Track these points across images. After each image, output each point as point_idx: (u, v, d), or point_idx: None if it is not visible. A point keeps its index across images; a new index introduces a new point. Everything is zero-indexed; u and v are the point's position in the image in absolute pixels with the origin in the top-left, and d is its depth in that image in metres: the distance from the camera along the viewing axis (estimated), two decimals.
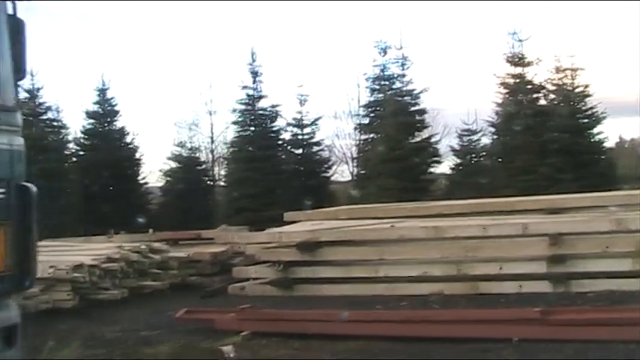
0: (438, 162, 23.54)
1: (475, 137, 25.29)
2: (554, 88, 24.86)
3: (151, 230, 18.10)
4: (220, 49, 55.42)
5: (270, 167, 24.32)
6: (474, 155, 25.19)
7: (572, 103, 23.92)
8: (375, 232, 12.17)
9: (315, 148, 27.20)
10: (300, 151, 27.04)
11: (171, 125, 40.62)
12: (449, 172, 26.15)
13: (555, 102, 24.74)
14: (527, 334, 7.08)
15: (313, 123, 26.86)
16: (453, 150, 26.51)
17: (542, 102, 23.53)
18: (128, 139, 26.99)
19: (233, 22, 53.35)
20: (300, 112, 26.82)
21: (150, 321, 10.31)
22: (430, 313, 8.34)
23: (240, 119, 25.91)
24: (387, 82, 24.43)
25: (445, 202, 15.71)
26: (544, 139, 21.02)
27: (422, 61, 52.04)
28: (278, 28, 52.28)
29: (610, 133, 57.06)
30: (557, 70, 25.24)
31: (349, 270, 11.91)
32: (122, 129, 26.96)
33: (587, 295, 10.07)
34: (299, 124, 26.89)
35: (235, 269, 13.06)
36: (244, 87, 25.55)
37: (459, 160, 25.52)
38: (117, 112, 26.74)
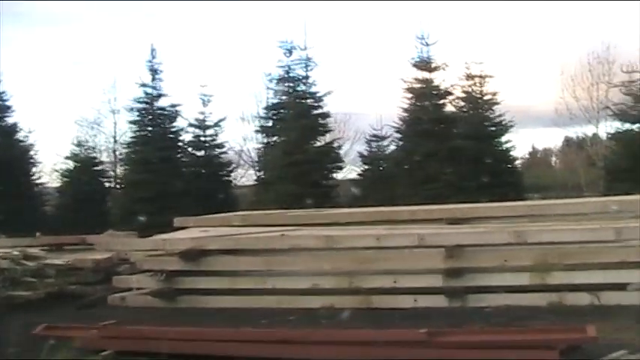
0: (340, 167, 22.95)
1: (384, 143, 24.96)
2: (463, 95, 24.80)
3: (38, 234, 17.09)
4: (126, 45, 53.98)
5: (168, 169, 23.44)
6: (382, 162, 24.85)
7: (480, 110, 23.86)
8: (264, 241, 11.54)
9: (218, 151, 26.41)
10: (201, 153, 26.21)
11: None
12: (357, 178, 25.86)
13: (465, 109, 24.67)
14: (411, 358, 6.52)
15: (216, 124, 26.13)
16: (361, 156, 26.22)
17: (451, 108, 23.19)
18: (21, 136, 25.72)
19: (138, 17, 52.05)
20: (202, 113, 26.09)
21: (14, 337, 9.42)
22: (297, 334, 7.69)
23: (138, 118, 24.94)
24: (291, 84, 23.84)
25: (344, 210, 15.18)
26: (449, 147, 20.69)
27: (333, 63, 52.13)
28: (186, 24, 51.25)
29: (525, 142, 58.25)
30: (468, 77, 25.22)
31: (236, 281, 11.26)
32: (14, 125, 25.70)
33: (484, 310, 9.75)
34: (201, 125, 26.13)
35: (115, 278, 12.32)
36: (143, 85, 24.61)
37: (366, 167, 25.22)
38: (8, 108, 25.49)
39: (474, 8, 52.64)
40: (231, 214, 16.63)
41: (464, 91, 25.02)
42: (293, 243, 11.22)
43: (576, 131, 34.14)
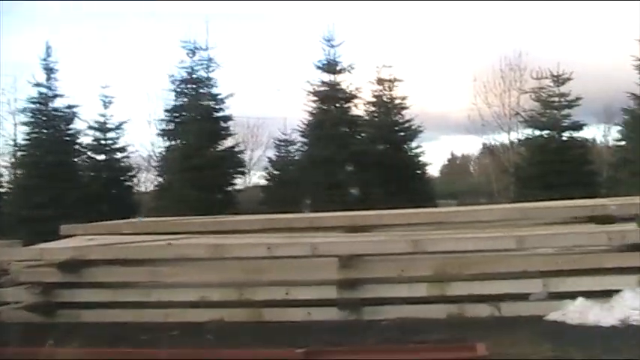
0: (242, 173, 22.32)
1: (293, 148, 24.47)
2: (374, 99, 24.56)
3: None
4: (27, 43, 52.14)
5: (63, 174, 22.42)
6: (290, 167, 24.35)
7: (389, 114, 23.63)
8: (148, 250, 10.88)
9: (120, 155, 25.48)
10: (102, 157, 25.26)
11: None
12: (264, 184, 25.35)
13: (376, 113, 24.42)
14: None
15: (118, 127, 25.19)
16: (270, 161, 25.73)
17: (359, 112, 22.77)
18: None
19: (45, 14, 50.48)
20: (103, 115, 25.13)
21: None
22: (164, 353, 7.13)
23: (31, 120, 23.85)
24: (194, 86, 23.10)
25: (240, 217, 14.56)
26: (354, 151, 20.27)
27: (247, 66, 51.52)
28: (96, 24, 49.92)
29: (445, 149, 58.74)
30: (379, 81, 24.98)
31: (118, 293, 10.53)
32: None
33: (379, 323, 9.34)
34: (102, 128, 25.18)
35: None
36: (37, 84, 23.57)
37: (275, 172, 24.72)
38: None
39: (388, 13, 52.71)
40: (121, 221, 15.86)
41: (374, 95, 24.78)
42: (179, 252, 10.59)
43: (489, 138, 34.26)
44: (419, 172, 24.24)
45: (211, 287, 10.29)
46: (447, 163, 44.55)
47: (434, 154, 69.97)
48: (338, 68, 21.82)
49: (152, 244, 11.14)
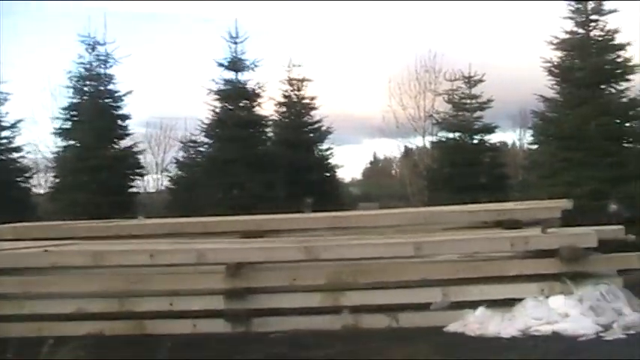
0: (141, 175, 21.47)
1: (201, 149, 23.65)
2: (283, 99, 24.09)
3: None
4: None
5: None
6: (195, 168, 23.52)
7: (298, 115, 23.21)
8: (21, 258, 10.09)
9: (15, 155, 24.28)
10: None
11: None
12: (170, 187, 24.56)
13: (285, 114, 23.94)
14: None
15: (13, 126, 24.02)
16: (176, 162, 24.96)
17: (265, 112, 22.09)
18: None
19: None
20: None
21: None
22: None
23: None
24: (94, 83, 22.12)
25: (130, 222, 13.75)
26: (258, 152, 19.68)
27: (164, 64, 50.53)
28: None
29: (368, 152, 58.72)
30: (289, 80, 24.51)
31: None
32: None
33: (269, 336, 8.90)
34: None
35: None
36: None
37: (179, 174, 23.95)
38: None
39: (303, 12, 52.42)
40: (3, 225, 14.94)
41: (284, 95, 24.28)
42: (56, 260, 9.83)
43: (404, 141, 34.07)
44: (328, 174, 23.83)
45: (90, 298, 9.64)
46: (369, 166, 44.56)
47: (357, 157, 70.00)
48: (241, 66, 21.14)
49: (26, 251, 10.34)
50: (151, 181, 34.49)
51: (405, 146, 34.56)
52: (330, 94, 48.44)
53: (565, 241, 9.33)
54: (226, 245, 10.11)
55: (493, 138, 23.57)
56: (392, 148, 33.17)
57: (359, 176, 45.33)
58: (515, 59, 38.56)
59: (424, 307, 9.32)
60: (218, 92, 20.70)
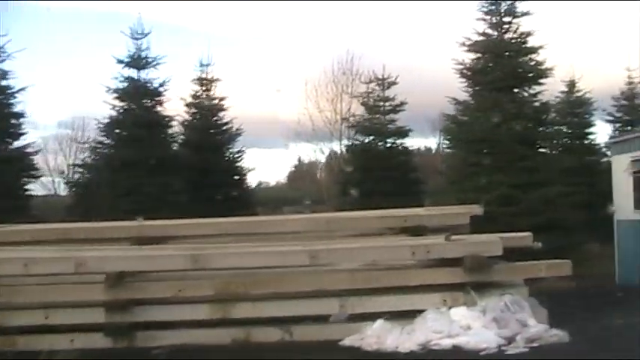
0: (34, 177, 20.42)
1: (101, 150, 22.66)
2: (193, 100, 23.45)
3: None
4: None
5: None
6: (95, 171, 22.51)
7: (204, 116, 22.63)
8: None
9: None
10: None
11: None
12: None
13: (195, 115, 23.29)
14: None
15: None
16: (77, 164, 24.06)
17: (170, 113, 21.26)
18: None
19: None
20: None
21: None
22: None
23: None
24: None
25: (10, 228, 12.74)
26: (160, 155, 18.95)
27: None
28: None
29: (293, 156, 58.26)
30: (200, 80, 23.87)
31: None
32: None
33: (152, 351, 8.45)
34: None
35: None
36: None
37: (79, 176, 23.08)
38: None
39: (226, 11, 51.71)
40: None
41: (192, 95, 23.57)
42: None
43: (320, 144, 33.63)
44: (237, 177, 23.21)
45: None
46: (294, 169, 44.20)
47: (283, 161, 69.58)
48: (142, 63, 20.31)
49: None
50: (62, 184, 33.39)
51: (330, 149, 34.09)
52: (254, 97, 48.04)
53: (469, 249, 9.08)
54: (108, 253, 9.45)
55: (407, 142, 23.36)
56: (317, 152, 32.83)
57: (284, 180, 44.97)
58: (435, 62, 38.54)
59: (320, 319, 8.97)
60: (117, 90, 19.85)
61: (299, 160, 40.00)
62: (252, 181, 28.49)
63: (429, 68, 35.86)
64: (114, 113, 19.73)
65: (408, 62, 39.59)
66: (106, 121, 19.91)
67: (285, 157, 48.31)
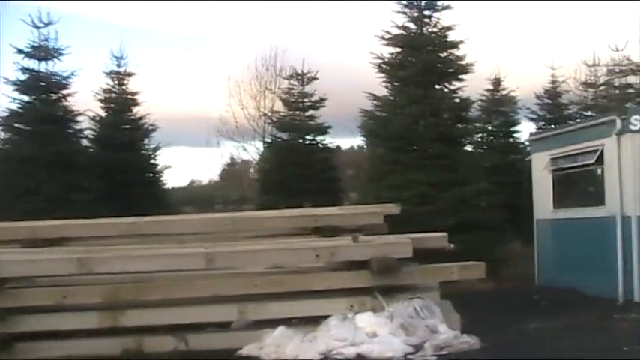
0: None
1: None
2: (105, 95, 22.75)
3: None
4: None
5: None
6: None
7: (116, 111, 21.95)
8: None
9: None
10: None
11: None
12: None
13: (108, 110, 22.57)
14: None
15: None
16: None
17: (78, 107, 20.47)
18: None
19: None
20: None
21: None
22: None
23: None
24: None
25: None
26: (61, 151, 18.21)
27: None
28: None
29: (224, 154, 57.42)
30: (115, 74, 23.16)
31: None
32: None
33: None
34: None
35: None
36: None
37: None
38: None
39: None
40: None
41: (104, 90, 22.84)
42: None
43: (241, 142, 33.08)
44: (151, 175, 22.56)
45: None
46: (226, 168, 43.59)
47: (215, 160, 68.81)
48: (45, 53, 19.48)
49: None
50: None
51: (244, 148, 33.50)
52: (180, 94, 47.28)
53: (377, 251, 8.82)
54: None
55: (333, 140, 23.23)
56: (240, 150, 32.21)
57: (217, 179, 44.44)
58: (364, 57, 38.27)
59: (218, 326, 8.60)
60: (16, 82, 19.04)
61: (231, 158, 39.44)
62: (170, 179, 27.87)
63: (359, 64, 35.70)
64: (14, 107, 19.05)
65: (339, 59, 39.35)
66: (5, 114, 19.12)
67: (217, 155, 47.70)
